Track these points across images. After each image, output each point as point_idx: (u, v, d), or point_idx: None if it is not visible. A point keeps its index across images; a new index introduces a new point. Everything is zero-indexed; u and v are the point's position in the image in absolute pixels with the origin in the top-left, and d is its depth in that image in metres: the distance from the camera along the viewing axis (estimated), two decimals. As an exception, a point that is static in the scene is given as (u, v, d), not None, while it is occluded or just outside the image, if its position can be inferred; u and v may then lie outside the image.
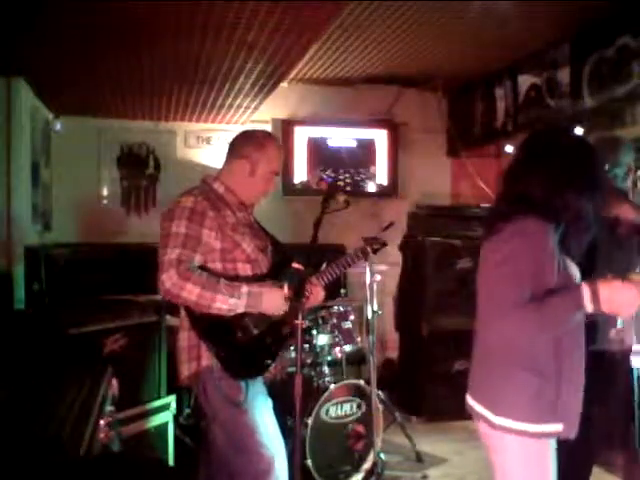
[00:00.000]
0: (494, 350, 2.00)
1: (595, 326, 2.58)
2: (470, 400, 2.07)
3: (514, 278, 1.88)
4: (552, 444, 2.00)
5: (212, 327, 2.47)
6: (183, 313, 2.56)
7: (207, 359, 2.51)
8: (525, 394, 1.93)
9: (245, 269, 2.57)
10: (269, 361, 2.58)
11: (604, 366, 2.70)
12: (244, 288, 2.47)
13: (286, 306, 2.52)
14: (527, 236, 1.90)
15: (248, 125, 5.98)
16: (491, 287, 1.98)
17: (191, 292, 2.39)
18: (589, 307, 1.82)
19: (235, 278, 2.53)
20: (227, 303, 2.42)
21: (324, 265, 2.82)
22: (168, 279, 2.39)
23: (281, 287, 2.55)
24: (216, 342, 2.48)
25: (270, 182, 2.71)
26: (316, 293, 2.73)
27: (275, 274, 2.65)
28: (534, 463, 1.97)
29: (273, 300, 2.51)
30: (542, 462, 1.98)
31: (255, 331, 2.53)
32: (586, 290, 1.83)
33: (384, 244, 2.96)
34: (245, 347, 2.52)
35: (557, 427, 1.95)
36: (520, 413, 1.93)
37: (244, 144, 2.69)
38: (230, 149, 2.73)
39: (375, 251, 2.91)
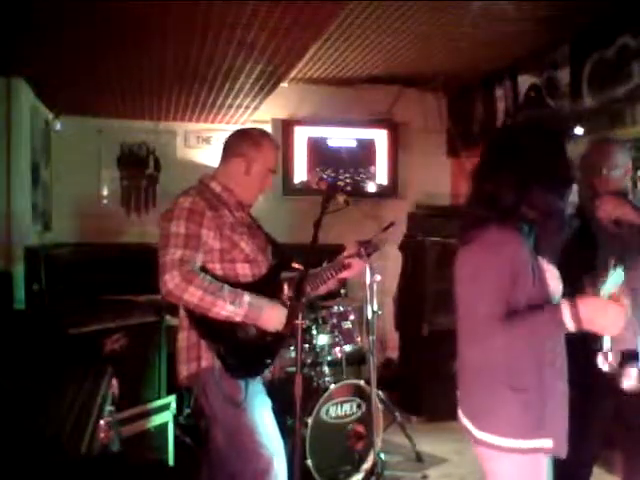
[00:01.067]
0: (476, 367, 1.96)
1: None
2: (460, 416, 2.04)
3: (487, 293, 1.83)
4: (545, 463, 1.95)
5: (213, 326, 2.46)
6: (183, 313, 2.56)
7: (207, 359, 2.50)
8: (511, 411, 1.88)
9: (244, 269, 2.56)
10: (269, 360, 2.57)
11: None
12: (246, 297, 2.45)
13: (283, 325, 2.49)
14: (498, 248, 1.86)
15: (248, 125, 5.98)
16: (467, 303, 1.94)
17: (193, 295, 2.38)
18: (570, 326, 1.74)
19: (235, 278, 2.52)
20: (226, 309, 2.41)
21: (323, 265, 2.81)
22: (171, 280, 2.37)
23: (285, 306, 2.54)
24: (217, 341, 2.48)
25: (267, 180, 2.70)
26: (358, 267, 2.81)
27: (274, 274, 2.65)
28: (526, 478, 1.93)
29: (273, 317, 2.49)
30: (534, 477, 1.93)
31: (255, 330, 2.52)
32: (566, 308, 1.75)
33: (376, 248, 2.93)
34: (245, 346, 2.52)
35: (547, 442, 1.89)
36: (507, 430, 1.88)
37: (239, 143, 2.68)
38: (225, 148, 2.73)
39: (369, 255, 2.89)
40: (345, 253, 2.83)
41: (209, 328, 2.47)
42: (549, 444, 1.89)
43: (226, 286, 2.45)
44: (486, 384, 1.93)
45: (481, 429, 1.92)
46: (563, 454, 1.93)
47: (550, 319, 1.79)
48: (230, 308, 2.42)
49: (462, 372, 2.03)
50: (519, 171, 1.92)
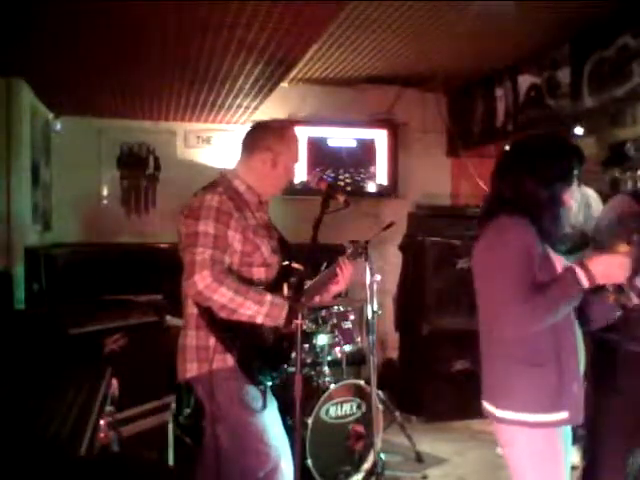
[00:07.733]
0: (495, 346, 2.09)
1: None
2: (483, 401, 2.15)
3: (509, 273, 1.98)
4: (561, 433, 2.06)
5: (233, 331, 2.42)
6: (193, 312, 2.51)
7: (218, 362, 2.46)
8: (529, 388, 2.00)
9: (259, 273, 2.53)
10: (285, 366, 2.56)
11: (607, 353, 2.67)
12: (268, 297, 2.43)
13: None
14: (510, 230, 2.03)
15: (248, 125, 5.96)
16: (488, 287, 2.08)
17: (223, 295, 2.33)
18: (585, 284, 1.94)
19: (249, 281, 2.48)
20: (251, 309, 2.38)
21: (324, 266, 2.80)
22: (201, 280, 2.32)
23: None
24: (237, 346, 2.43)
25: (292, 172, 2.67)
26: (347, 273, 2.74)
27: (282, 276, 2.61)
28: (543, 453, 2.03)
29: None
30: (551, 451, 2.03)
31: (273, 336, 2.50)
32: (578, 270, 1.95)
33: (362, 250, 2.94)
34: (264, 352, 2.50)
35: (562, 415, 2.01)
36: (523, 405, 2.01)
37: (263, 136, 2.61)
38: (247, 143, 2.64)
39: (356, 256, 2.89)
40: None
41: (229, 332, 2.43)
42: (565, 416, 2.02)
43: (252, 287, 2.43)
44: (506, 365, 2.05)
45: (502, 408, 2.05)
46: (579, 421, 2.06)
47: (567, 282, 1.96)
48: (255, 308, 2.39)
49: (485, 358, 2.16)
50: (515, 168, 2.15)
